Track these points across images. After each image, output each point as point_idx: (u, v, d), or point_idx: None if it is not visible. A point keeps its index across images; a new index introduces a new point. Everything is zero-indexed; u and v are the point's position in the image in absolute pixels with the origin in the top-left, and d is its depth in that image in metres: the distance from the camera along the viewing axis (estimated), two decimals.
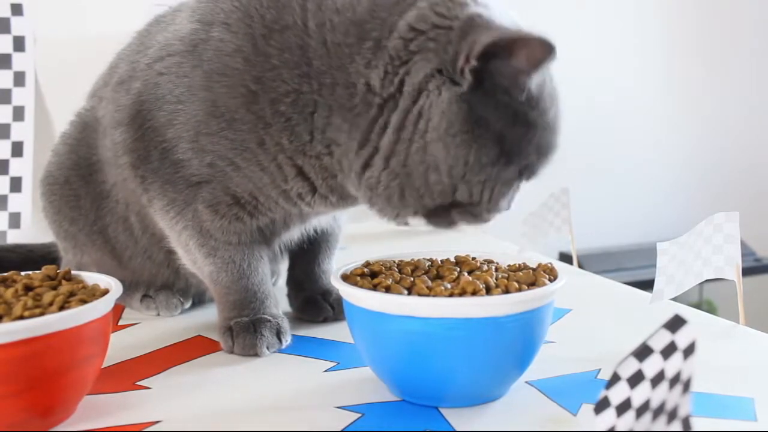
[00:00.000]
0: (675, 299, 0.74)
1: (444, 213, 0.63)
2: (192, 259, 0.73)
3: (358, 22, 0.61)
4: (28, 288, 0.53)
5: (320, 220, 0.78)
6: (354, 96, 0.61)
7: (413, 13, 0.60)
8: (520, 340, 0.53)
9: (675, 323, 0.35)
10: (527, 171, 0.62)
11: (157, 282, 0.83)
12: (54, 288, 0.54)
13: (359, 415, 0.53)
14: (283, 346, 0.69)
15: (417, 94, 0.59)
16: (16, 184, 1.31)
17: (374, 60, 0.60)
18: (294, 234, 0.77)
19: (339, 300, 0.72)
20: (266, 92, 0.63)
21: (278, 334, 0.68)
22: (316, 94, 0.62)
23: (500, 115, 0.58)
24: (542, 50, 0.56)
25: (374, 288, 0.54)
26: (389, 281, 0.54)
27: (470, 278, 0.53)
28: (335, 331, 0.74)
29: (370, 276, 0.57)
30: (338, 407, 0.55)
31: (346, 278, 0.57)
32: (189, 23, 0.68)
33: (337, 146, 0.63)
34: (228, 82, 0.64)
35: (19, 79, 1.34)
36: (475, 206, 0.61)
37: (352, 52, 0.61)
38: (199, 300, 0.86)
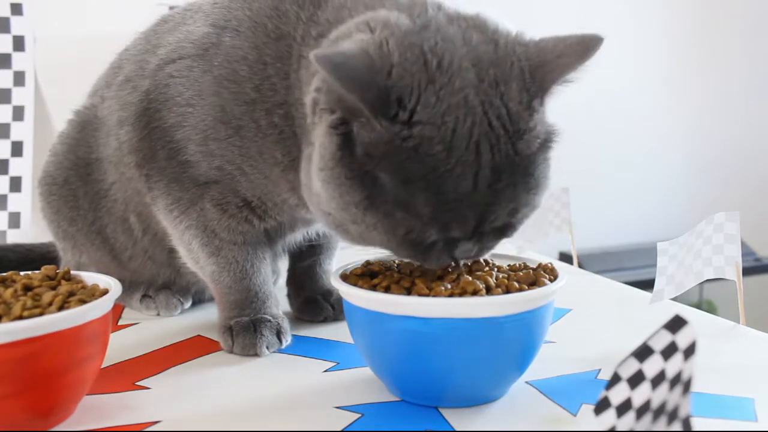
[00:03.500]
0: (675, 299, 0.74)
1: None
2: (194, 258, 0.73)
3: (320, 38, 0.60)
4: (27, 288, 0.53)
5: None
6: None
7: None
8: (520, 340, 0.53)
9: (675, 323, 0.35)
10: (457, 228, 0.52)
11: (158, 281, 0.83)
12: (53, 288, 0.54)
13: (359, 415, 0.53)
14: (283, 346, 0.69)
15: (312, 120, 0.56)
16: (15, 184, 1.31)
17: None
18: (298, 236, 0.77)
19: (339, 300, 0.72)
20: (263, 101, 0.63)
21: (278, 334, 0.68)
22: (294, 107, 0.61)
23: (372, 149, 0.51)
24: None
25: (374, 288, 0.54)
26: (389, 281, 0.54)
27: (470, 278, 0.53)
28: (335, 331, 0.74)
29: (369, 276, 0.57)
30: (338, 407, 0.55)
31: (345, 278, 0.57)
32: (202, 27, 0.68)
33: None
34: (235, 89, 0.64)
35: (19, 78, 1.34)
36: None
37: (306, 70, 0.59)
38: (199, 299, 0.86)
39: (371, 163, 0.51)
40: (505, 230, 0.56)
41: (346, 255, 0.77)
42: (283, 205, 0.68)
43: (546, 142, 0.55)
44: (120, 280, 0.59)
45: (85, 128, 0.81)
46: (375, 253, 0.61)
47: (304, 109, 0.58)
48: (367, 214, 0.52)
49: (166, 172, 0.69)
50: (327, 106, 0.53)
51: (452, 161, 0.50)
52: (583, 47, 0.54)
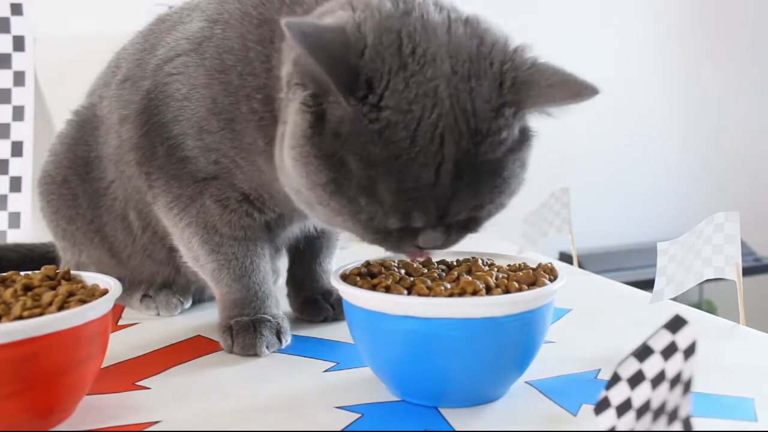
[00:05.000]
0: (675, 299, 0.74)
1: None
2: (194, 257, 0.73)
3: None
4: (27, 288, 0.53)
5: None
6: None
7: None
8: (520, 340, 0.53)
9: (675, 323, 0.35)
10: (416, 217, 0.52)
11: (157, 280, 0.83)
12: (53, 288, 0.54)
13: (359, 415, 0.53)
14: (283, 346, 0.69)
15: (286, 97, 0.56)
16: (15, 184, 1.31)
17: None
18: (295, 229, 0.77)
19: (339, 300, 0.72)
20: (244, 87, 0.63)
21: (278, 334, 0.68)
22: (274, 90, 0.61)
23: (339, 127, 0.51)
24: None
25: (374, 288, 0.54)
26: (389, 281, 0.54)
27: (470, 278, 0.53)
28: (335, 331, 0.74)
29: (369, 276, 0.57)
30: (338, 407, 0.55)
31: (345, 278, 0.57)
32: (197, 22, 0.69)
33: None
34: (224, 79, 0.64)
35: (19, 78, 1.34)
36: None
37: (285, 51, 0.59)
38: (199, 298, 0.86)
39: (337, 143, 0.51)
40: (470, 225, 0.56)
41: (346, 255, 0.77)
42: (279, 196, 0.68)
43: (518, 145, 0.54)
44: (120, 279, 0.59)
45: (83, 127, 0.81)
46: (375, 253, 0.61)
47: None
48: (332, 197, 0.52)
49: (166, 169, 0.69)
50: (300, 80, 0.53)
51: (415, 150, 0.50)
52: (576, 91, 0.52)
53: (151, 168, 0.70)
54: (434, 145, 0.50)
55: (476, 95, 0.52)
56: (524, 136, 0.55)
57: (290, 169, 0.55)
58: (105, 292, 0.54)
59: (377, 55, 0.51)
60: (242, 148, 0.65)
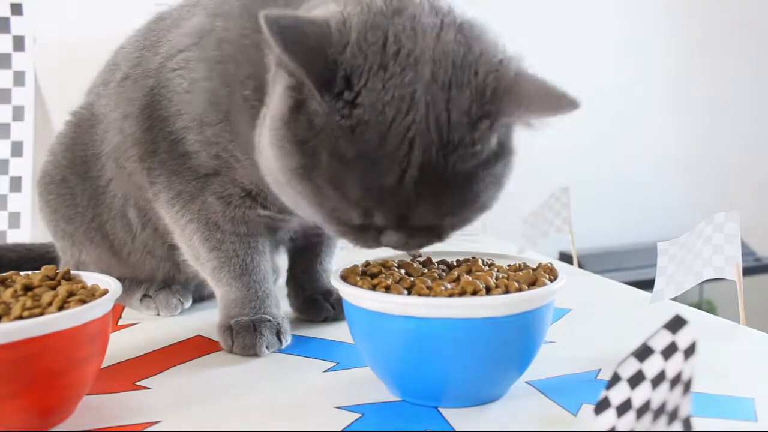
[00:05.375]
0: (675, 299, 0.74)
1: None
2: (195, 254, 0.73)
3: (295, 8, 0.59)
4: (27, 288, 0.53)
5: None
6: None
7: None
8: (520, 340, 0.53)
9: (675, 323, 0.35)
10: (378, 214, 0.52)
11: (157, 277, 0.83)
12: (53, 288, 0.54)
13: (359, 415, 0.53)
14: (283, 346, 0.69)
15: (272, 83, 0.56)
16: (15, 184, 1.31)
17: None
18: (294, 223, 0.77)
19: (339, 300, 0.72)
20: (237, 74, 0.63)
21: (278, 334, 0.68)
22: (264, 78, 0.61)
23: (314, 119, 0.51)
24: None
25: (374, 288, 0.54)
26: (389, 281, 0.54)
27: (470, 278, 0.53)
28: (335, 331, 0.74)
29: (369, 276, 0.57)
30: (338, 407, 0.55)
31: (345, 278, 0.57)
32: (198, 17, 0.69)
33: None
34: (221, 70, 0.65)
35: (19, 78, 1.34)
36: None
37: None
38: (199, 296, 0.86)
39: (311, 132, 0.51)
40: (435, 232, 0.56)
41: (346, 255, 0.77)
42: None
43: (494, 160, 0.53)
44: (120, 277, 0.59)
45: (80, 126, 0.81)
46: (375, 253, 0.61)
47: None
48: (301, 182, 0.53)
49: (168, 164, 0.69)
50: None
51: (383, 151, 0.50)
52: (556, 104, 0.51)
53: (153, 164, 0.70)
54: (402, 149, 0.50)
55: (453, 105, 0.51)
56: (502, 151, 0.54)
57: (266, 149, 0.55)
58: (105, 292, 0.54)
59: (359, 52, 0.51)
60: (239, 141, 0.65)
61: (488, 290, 0.53)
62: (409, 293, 0.53)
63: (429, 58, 0.51)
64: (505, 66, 0.53)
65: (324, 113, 0.50)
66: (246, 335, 0.67)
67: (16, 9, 1.34)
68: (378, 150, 0.50)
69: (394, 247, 0.56)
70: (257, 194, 0.69)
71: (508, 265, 0.60)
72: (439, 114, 0.51)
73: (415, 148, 0.50)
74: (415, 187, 0.51)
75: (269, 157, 0.55)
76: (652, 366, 0.36)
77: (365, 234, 0.55)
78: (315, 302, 0.79)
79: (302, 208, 0.56)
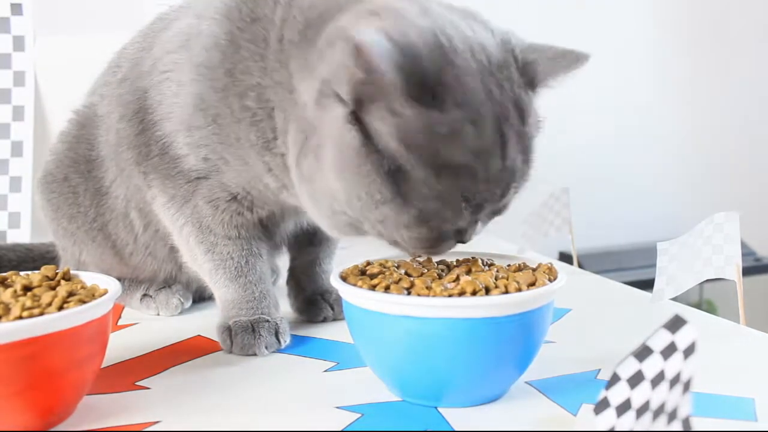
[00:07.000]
0: (675, 299, 0.74)
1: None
2: (192, 256, 0.73)
3: (309, 22, 0.59)
4: (26, 288, 0.53)
5: None
6: (295, 99, 0.59)
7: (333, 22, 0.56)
8: (520, 340, 0.53)
9: (675, 323, 0.35)
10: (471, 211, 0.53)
11: (159, 277, 0.83)
12: (53, 288, 0.54)
13: (359, 415, 0.53)
14: (282, 346, 0.69)
15: (316, 109, 0.55)
16: (15, 184, 1.31)
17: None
18: (290, 225, 0.77)
19: (339, 300, 0.72)
20: (235, 85, 0.63)
21: (277, 334, 0.68)
22: (271, 90, 0.61)
23: (408, 140, 0.50)
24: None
25: (374, 288, 0.54)
26: (389, 281, 0.54)
27: (470, 278, 0.53)
28: (335, 331, 0.74)
29: (369, 276, 0.57)
30: (338, 407, 0.55)
31: (345, 278, 0.57)
32: (186, 19, 0.69)
33: (288, 149, 0.61)
34: (210, 75, 0.65)
35: (19, 78, 1.34)
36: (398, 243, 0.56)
37: (294, 54, 0.59)
38: (200, 297, 0.86)
39: (404, 156, 0.50)
40: (502, 208, 0.58)
41: (346, 255, 0.77)
42: (267, 191, 0.68)
43: (539, 125, 0.57)
44: (121, 277, 0.59)
45: (84, 126, 0.81)
46: (375, 253, 0.61)
47: (287, 93, 0.59)
48: (402, 210, 0.52)
49: (160, 168, 0.70)
50: (343, 96, 0.52)
51: (483, 141, 0.51)
52: (573, 58, 0.57)
53: (147, 167, 0.71)
54: (496, 132, 0.52)
55: (512, 83, 0.54)
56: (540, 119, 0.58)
57: (339, 191, 0.54)
58: (105, 292, 0.54)
59: (431, 57, 0.51)
60: (230, 144, 0.66)
61: (488, 290, 0.53)
62: (409, 293, 0.53)
63: (477, 45, 0.54)
64: (516, 39, 0.57)
65: (419, 130, 0.50)
66: (245, 336, 0.67)
67: (16, 9, 1.34)
68: (479, 141, 0.51)
69: (468, 240, 0.57)
70: (243, 198, 0.69)
71: (508, 265, 0.60)
72: (508, 93, 0.53)
73: (504, 128, 0.52)
74: (514, 164, 0.53)
75: (346, 198, 0.54)
76: (652, 366, 0.36)
77: (449, 239, 0.56)
78: (315, 302, 0.79)
79: (392, 236, 0.55)
